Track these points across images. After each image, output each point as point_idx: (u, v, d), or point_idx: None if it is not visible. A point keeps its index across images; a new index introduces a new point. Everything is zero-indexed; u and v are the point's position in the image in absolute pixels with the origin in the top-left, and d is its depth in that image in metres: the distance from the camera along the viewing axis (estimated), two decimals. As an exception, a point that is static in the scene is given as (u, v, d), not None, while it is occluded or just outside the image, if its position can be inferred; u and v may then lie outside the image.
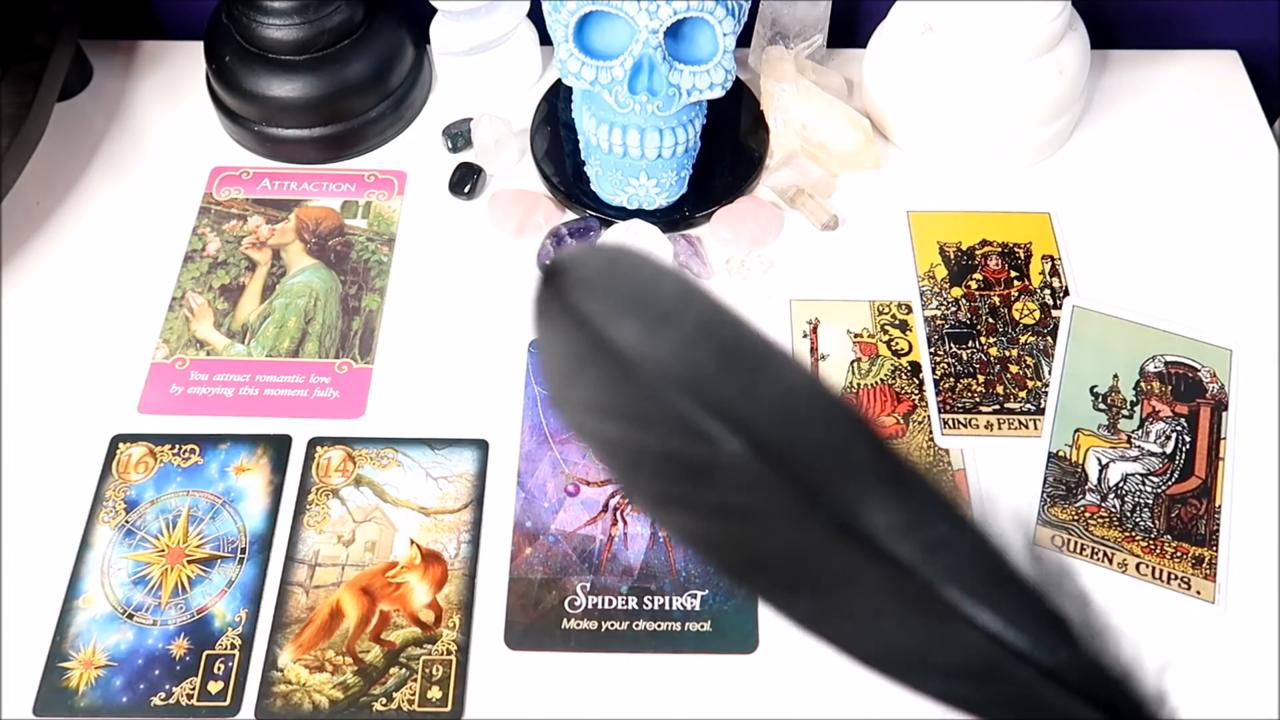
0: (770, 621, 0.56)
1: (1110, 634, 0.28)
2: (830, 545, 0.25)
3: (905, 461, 0.26)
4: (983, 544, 0.27)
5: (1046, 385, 0.64)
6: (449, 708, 0.53)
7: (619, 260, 0.27)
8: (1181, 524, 0.58)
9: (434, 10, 0.75)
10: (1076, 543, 0.58)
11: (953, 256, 0.69)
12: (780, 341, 0.27)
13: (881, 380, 0.64)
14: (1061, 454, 0.61)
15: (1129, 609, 0.56)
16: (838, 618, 0.28)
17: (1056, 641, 0.27)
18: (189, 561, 0.58)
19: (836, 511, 0.25)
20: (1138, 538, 0.58)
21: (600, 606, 0.56)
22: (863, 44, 0.77)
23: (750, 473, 0.25)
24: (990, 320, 0.67)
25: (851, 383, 0.64)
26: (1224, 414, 0.62)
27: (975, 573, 0.26)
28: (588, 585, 0.57)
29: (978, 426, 0.62)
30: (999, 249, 0.70)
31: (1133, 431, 0.62)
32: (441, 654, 0.55)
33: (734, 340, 0.26)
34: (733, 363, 0.26)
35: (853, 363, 0.65)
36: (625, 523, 0.59)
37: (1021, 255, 0.69)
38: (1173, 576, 0.57)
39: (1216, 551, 0.57)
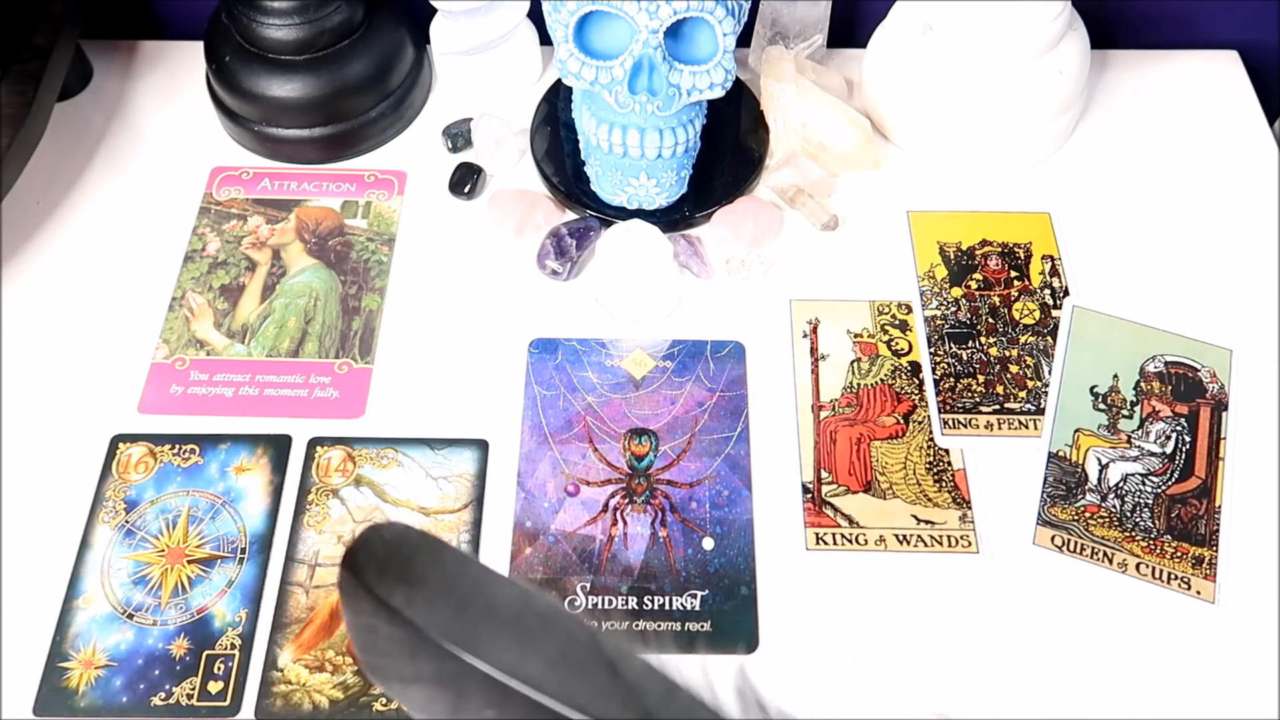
0: (770, 621, 0.56)
1: None
2: None
3: (615, 646, 0.33)
4: (693, 705, 0.34)
5: (1046, 385, 0.64)
6: (449, 708, 0.53)
7: (403, 540, 0.35)
8: (1181, 524, 0.58)
9: (434, 10, 0.75)
10: (1076, 543, 0.58)
11: (953, 256, 0.69)
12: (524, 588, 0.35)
13: (881, 380, 0.64)
14: (1061, 454, 0.61)
15: (1129, 609, 0.56)
16: None
17: None
18: (189, 561, 0.58)
19: (567, 704, 0.32)
20: (1138, 538, 0.58)
21: (600, 606, 0.56)
22: (863, 44, 0.77)
23: (494, 689, 0.33)
24: (990, 320, 0.67)
25: (851, 383, 0.64)
26: (1224, 414, 0.62)
27: None
28: (588, 585, 0.57)
29: (978, 426, 0.62)
30: (999, 249, 0.70)
31: (1133, 431, 0.62)
32: (441, 654, 0.55)
33: (474, 586, 0.35)
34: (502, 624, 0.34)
35: (853, 363, 0.65)
36: (625, 523, 0.59)
37: (1021, 255, 0.69)
38: (1173, 576, 0.57)
39: (1216, 551, 0.57)
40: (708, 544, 0.58)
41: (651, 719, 0.32)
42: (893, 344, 0.65)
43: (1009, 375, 0.64)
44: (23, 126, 0.68)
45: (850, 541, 0.58)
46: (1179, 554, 0.57)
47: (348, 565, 0.35)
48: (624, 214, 0.69)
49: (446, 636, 0.33)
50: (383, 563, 0.34)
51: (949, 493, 0.60)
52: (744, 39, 0.71)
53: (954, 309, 0.67)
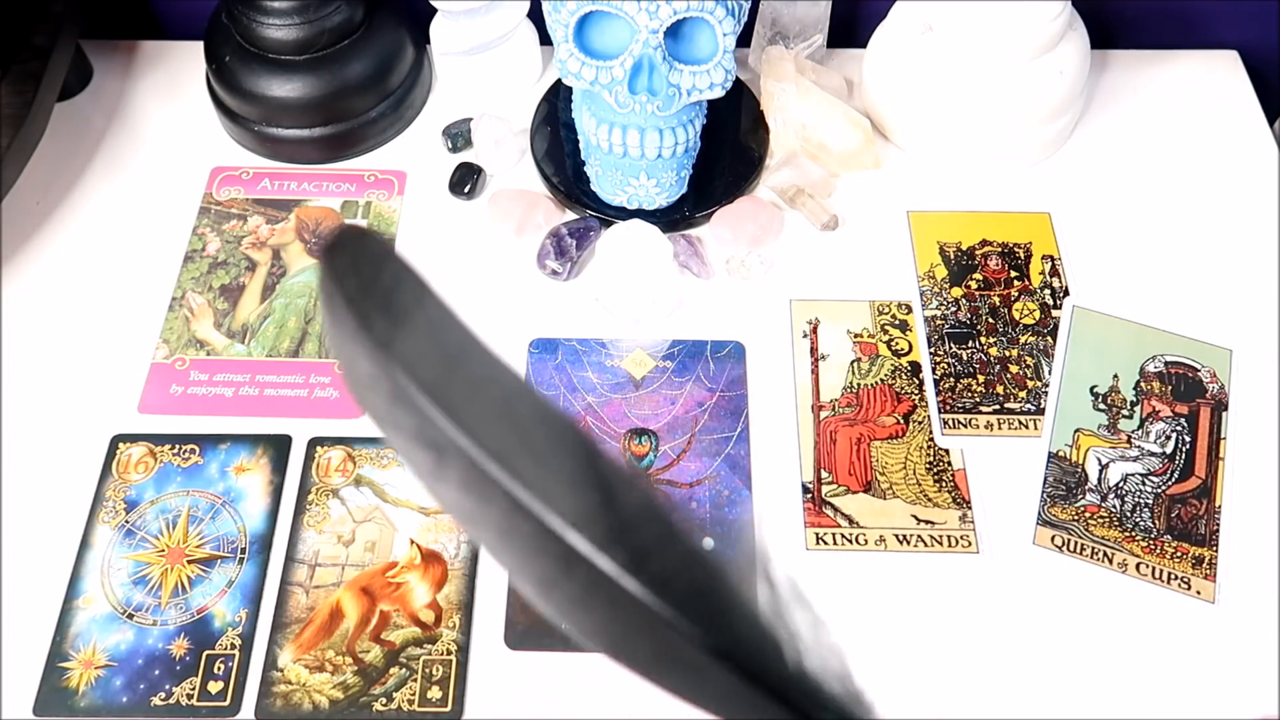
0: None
1: (822, 643, 0.31)
2: (546, 541, 0.28)
3: (615, 469, 0.29)
4: (694, 556, 0.30)
5: (1046, 385, 0.64)
6: (449, 708, 0.53)
7: (385, 261, 0.30)
8: (1181, 524, 0.58)
9: (434, 10, 0.75)
10: (1076, 543, 0.58)
11: (953, 256, 0.69)
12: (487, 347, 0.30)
13: (881, 380, 0.64)
14: (1061, 454, 0.61)
15: (1129, 609, 0.56)
16: (564, 605, 0.30)
17: (762, 649, 0.30)
18: (189, 561, 0.58)
19: (552, 512, 0.28)
20: (1138, 538, 0.58)
21: (600, 606, 0.56)
22: (863, 44, 0.77)
23: (475, 471, 0.28)
24: (990, 320, 0.67)
25: (851, 383, 0.64)
26: (1224, 414, 0.62)
27: (680, 579, 0.29)
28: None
29: (978, 426, 0.62)
30: (999, 249, 0.70)
31: (1133, 431, 0.62)
32: (441, 654, 0.55)
33: (461, 352, 0.30)
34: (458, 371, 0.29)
35: (853, 363, 0.65)
36: (625, 523, 0.59)
37: (1021, 255, 0.69)
38: (1173, 576, 0.57)
39: (1216, 551, 0.57)
40: (708, 544, 0.58)
41: (642, 557, 0.28)
42: (893, 344, 0.65)
43: (1009, 375, 0.64)
44: (23, 126, 0.68)
45: (850, 541, 0.58)
46: (1179, 554, 0.57)
47: (329, 265, 0.30)
48: (624, 214, 0.69)
49: (431, 398, 0.28)
50: (365, 280, 0.30)
51: (949, 493, 0.60)
52: (744, 39, 0.71)
53: (954, 309, 0.67)
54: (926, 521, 0.59)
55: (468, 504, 0.30)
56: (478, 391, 0.29)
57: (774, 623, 0.30)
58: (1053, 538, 0.58)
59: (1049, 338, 0.66)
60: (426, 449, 0.29)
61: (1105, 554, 0.57)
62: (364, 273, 0.29)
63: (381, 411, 0.30)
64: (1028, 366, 0.64)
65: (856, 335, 0.66)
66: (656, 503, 0.30)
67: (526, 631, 0.55)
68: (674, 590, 0.28)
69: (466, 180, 0.72)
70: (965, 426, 0.62)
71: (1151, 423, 0.62)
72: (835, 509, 0.59)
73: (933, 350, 0.65)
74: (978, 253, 0.70)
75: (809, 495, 0.60)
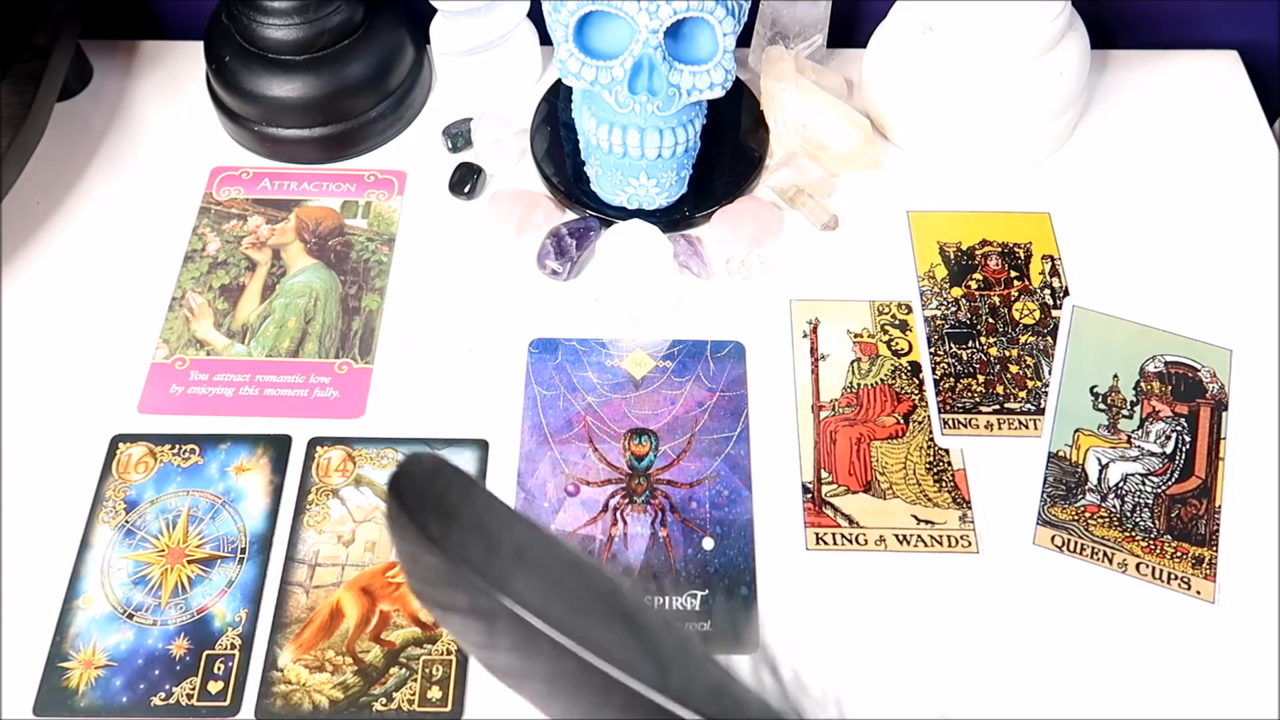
0: (770, 621, 0.56)
1: None
2: (586, 676, 0.34)
3: (634, 599, 0.35)
4: (706, 661, 0.35)
5: (1046, 385, 0.64)
6: (449, 708, 0.53)
7: (438, 472, 0.38)
8: (1181, 524, 0.58)
9: (434, 10, 0.75)
10: (1076, 543, 0.58)
11: (953, 256, 0.69)
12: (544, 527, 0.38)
13: (881, 380, 0.64)
14: (1061, 454, 0.61)
15: (1129, 609, 0.56)
16: None
17: None
18: (189, 561, 0.58)
19: (587, 649, 0.33)
20: (1138, 538, 0.58)
21: (600, 606, 0.56)
22: (863, 44, 0.77)
23: (519, 625, 0.34)
24: (990, 320, 0.67)
25: (851, 383, 0.64)
26: (1224, 414, 0.62)
27: (699, 683, 0.34)
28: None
29: (978, 426, 0.62)
30: (999, 249, 0.70)
31: (1133, 431, 0.62)
32: (441, 654, 0.55)
33: (502, 528, 0.37)
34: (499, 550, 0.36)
35: (853, 363, 0.65)
36: (625, 523, 0.59)
37: (1021, 255, 0.69)
38: (1173, 576, 0.57)
39: (1216, 551, 0.57)
40: (708, 544, 0.58)
41: (665, 670, 0.33)
42: (893, 344, 0.65)
43: (1009, 375, 0.64)
44: (23, 126, 0.68)
45: (850, 541, 0.58)
46: (1179, 554, 0.57)
47: (393, 491, 0.36)
48: (624, 214, 0.69)
49: (479, 573, 0.35)
50: (422, 494, 0.36)
51: (949, 493, 0.60)
52: (744, 39, 0.71)
53: (954, 309, 0.67)
54: (926, 521, 0.59)
55: (517, 663, 0.35)
56: (517, 558, 0.35)
57: (784, 709, 0.35)
58: (1053, 538, 0.58)
59: (1049, 338, 0.66)
60: (480, 620, 0.35)
61: (1105, 554, 0.57)
62: (420, 488, 0.37)
63: (441, 599, 0.36)
64: (1028, 366, 0.64)
65: (856, 335, 0.66)
66: (669, 621, 0.35)
67: None
68: (694, 694, 0.33)
69: (466, 180, 0.72)
70: (965, 426, 0.62)
71: (1151, 423, 0.62)
72: (835, 509, 0.59)
73: (933, 350, 0.65)
74: (978, 253, 0.70)
75: (809, 495, 0.60)
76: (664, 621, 0.35)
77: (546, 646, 0.34)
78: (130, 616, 0.56)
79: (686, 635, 0.35)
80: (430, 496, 0.36)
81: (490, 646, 0.36)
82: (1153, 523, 0.58)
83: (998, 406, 0.63)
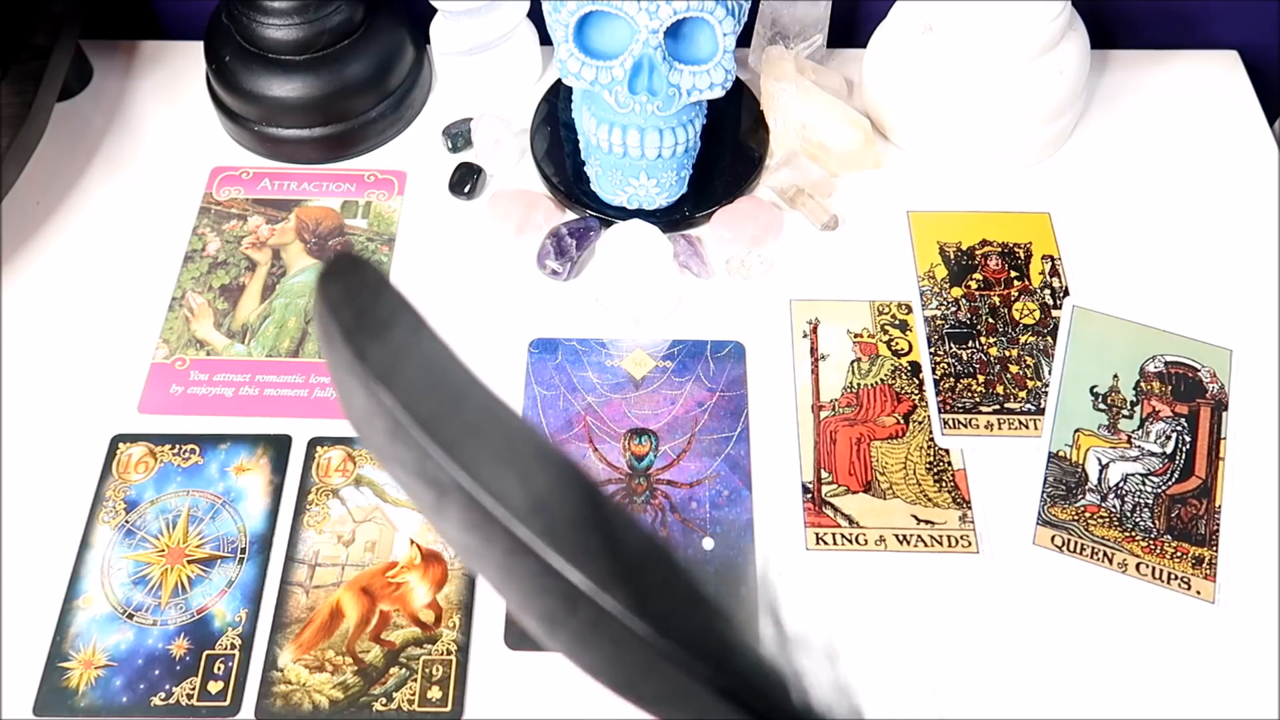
0: (770, 621, 0.55)
1: (828, 680, 0.32)
2: (550, 580, 0.28)
3: (617, 511, 0.29)
4: (697, 596, 0.30)
5: (1046, 385, 0.64)
6: (449, 708, 0.53)
7: (380, 292, 0.30)
8: (1181, 524, 0.58)
9: (434, 10, 0.75)
10: (1076, 543, 0.58)
11: (953, 256, 0.69)
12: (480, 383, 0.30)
13: (881, 380, 0.64)
14: (1061, 454, 0.61)
15: (1129, 609, 0.56)
16: (569, 641, 0.30)
17: (767, 687, 0.30)
18: (189, 561, 0.58)
19: (556, 551, 0.28)
20: (1138, 538, 0.58)
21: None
22: (863, 44, 0.77)
23: (477, 510, 0.28)
24: (990, 320, 0.67)
25: (851, 383, 0.64)
26: (1224, 414, 0.62)
27: (684, 620, 0.29)
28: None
29: (978, 426, 0.62)
30: (999, 249, 0.70)
31: (1133, 431, 0.62)
32: (441, 654, 0.55)
33: (461, 390, 0.30)
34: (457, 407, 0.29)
35: (853, 363, 0.65)
36: (625, 523, 0.59)
37: (1021, 255, 0.69)
38: (1173, 576, 0.57)
39: (1216, 551, 0.57)
40: (708, 544, 0.58)
41: (645, 596, 0.28)
42: (893, 344, 0.65)
43: (1009, 375, 0.64)
44: (23, 126, 0.68)
45: (850, 541, 0.58)
46: (1179, 554, 0.57)
47: (324, 295, 0.29)
48: (624, 214, 0.69)
49: (430, 435, 0.28)
50: (359, 311, 0.29)
51: (949, 493, 0.60)
52: (744, 39, 0.71)
53: (954, 309, 0.67)
54: (926, 521, 0.59)
55: (470, 541, 0.29)
56: (477, 429, 0.29)
57: (779, 661, 0.30)
58: (1053, 538, 0.58)
59: (1049, 338, 0.66)
60: (428, 486, 0.29)
61: (1105, 554, 0.57)
62: (360, 303, 0.29)
63: (381, 446, 0.30)
64: (1028, 366, 0.64)
65: (856, 335, 0.66)
66: (658, 544, 0.29)
67: (526, 632, 0.55)
68: (678, 629, 0.28)
69: (466, 180, 0.72)
70: (965, 426, 0.62)
71: (1151, 423, 0.62)
72: (835, 509, 0.59)
73: (933, 350, 0.65)
74: (978, 253, 0.70)
75: (809, 495, 0.60)
76: (651, 545, 0.29)
77: (502, 537, 0.28)
78: (130, 616, 0.56)
79: (676, 566, 0.30)
80: (372, 318, 0.29)
81: (439, 513, 0.29)
82: (1153, 523, 0.58)
83: (998, 406, 0.63)
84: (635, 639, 0.28)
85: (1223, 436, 0.61)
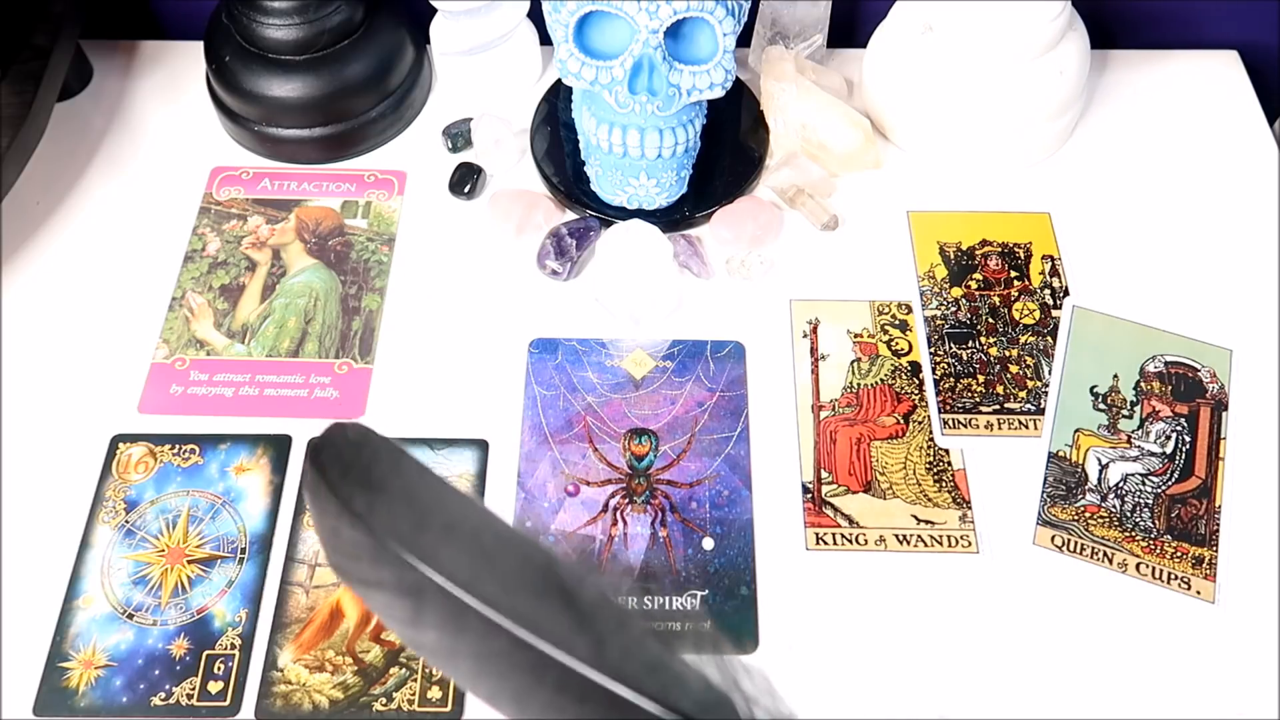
0: (770, 621, 0.56)
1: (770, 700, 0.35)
2: (518, 654, 0.32)
3: (570, 572, 0.34)
4: (645, 635, 0.34)
5: (1046, 385, 0.64)
6: (449, 708, 0.53)
7: (364, 442, 0.36)
8: (1181, 524, 0.58)
9: (434, 10, 0.75)
10: (1076, 543, 0.58)
11: (953, 256, 0.69)
12: (467, 494, 0.36)
13: (881, 380, 0.64)
14: (1061, 454, 0.61)
15: (1129, 609, 0.56)
16: (541, 713, 0.34)
17: (718, 708, 0.33)
18: (189, 561, 0.58)
19: (520, 625, 0.32)
20: (1138, 538, 0.58)
21: (600, 606, 0.56)
22: (863, 44, 0.77)
23: (447, 601, 0.33)
24: (990, 320, 0.67)
25: (851, 383, 0.64)
26: (1224, 414, 0.62)
27: (637, 658, 0.33)
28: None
29: (978, 426, 0.62)
30: (999, 249, 0.70)
31: (1133, 431, 0.62)
32: (441, 654, 0.55)
33: (434, 502, 0.35)
34: (429, 520, 0.34)
35: (853, 363, 0.65)
36: (625, 523, 0.59)
37: (1021, 255, 0.69)
38: (1173, 576, 0.57)
39: (1216, 551, 0.57)
40: (708, 544, 0.58)
41: (601, 645, 0.32)
42: (893, 344, 0.65)
43: (1009, 375, 0.64)
44: (23, 126, 0.68)
45: (850, 541, 0.58)
46: (1179, 554, 0.57)
47: (312, 462, 0.35)
48: (624, 214, 0.69)
49: (406, 547, 0.33)
50: (346, 464, 0.35)
51: (949, 493, 0.60)
52: (744, 39, 0.71)
53: (954, 309, 0.67)
54: (926, 521, 0.59)
55: (444, 642, 0.34)
56: (447, 532, 0.34)
57: (726, 686, 0.34)
58: (1053, 538, 0.58)
59: (1049, 338, 0.66)
60: (405, 597, 0.33)
61: (1105, 554, 0.57)
62: (344, 459, 0.35)
63: (364, 575, 0.34)
64: (1028, 366, 0.64)
65: (856, 335, 0.66)
66: (608, 593, 0.34)
67: None
68: (630, 669, 0.32)
69: (466, 180, 0.72)
70: (965, 426, 0.62)
71: (1151, 423, 0.62)
72: (835, 509, 0.59)
73: (933, 350, 0.65)
74: (978, 253, 0.70)
75: (809, 495, 0.60)
76: (602, 596, 0.33)
77: (476, 623, 0.32)
78: (130, 616, 0.56)
79: (625, 610, 0.34)
80: (355, 468, 0.34)
81: (416, 624, 0.34)
82: (1153, 523, 0.58)
83: (998, 406, 0.63)
84: (596, 689, 0.32)
85: (1223, 436, 0.61)
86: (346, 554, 0.35)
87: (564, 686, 0.32)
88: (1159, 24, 0.82)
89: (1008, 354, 0.65)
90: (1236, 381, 0.63)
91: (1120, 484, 0.60)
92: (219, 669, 0.54)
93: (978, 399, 0.63)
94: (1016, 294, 0.68)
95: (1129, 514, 0.59)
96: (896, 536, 0.58)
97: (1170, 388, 0.63)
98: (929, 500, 0.59)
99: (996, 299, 0.67)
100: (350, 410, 0.63)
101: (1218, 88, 0.79)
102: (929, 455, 0.61)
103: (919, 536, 0.58)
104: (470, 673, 0.34)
